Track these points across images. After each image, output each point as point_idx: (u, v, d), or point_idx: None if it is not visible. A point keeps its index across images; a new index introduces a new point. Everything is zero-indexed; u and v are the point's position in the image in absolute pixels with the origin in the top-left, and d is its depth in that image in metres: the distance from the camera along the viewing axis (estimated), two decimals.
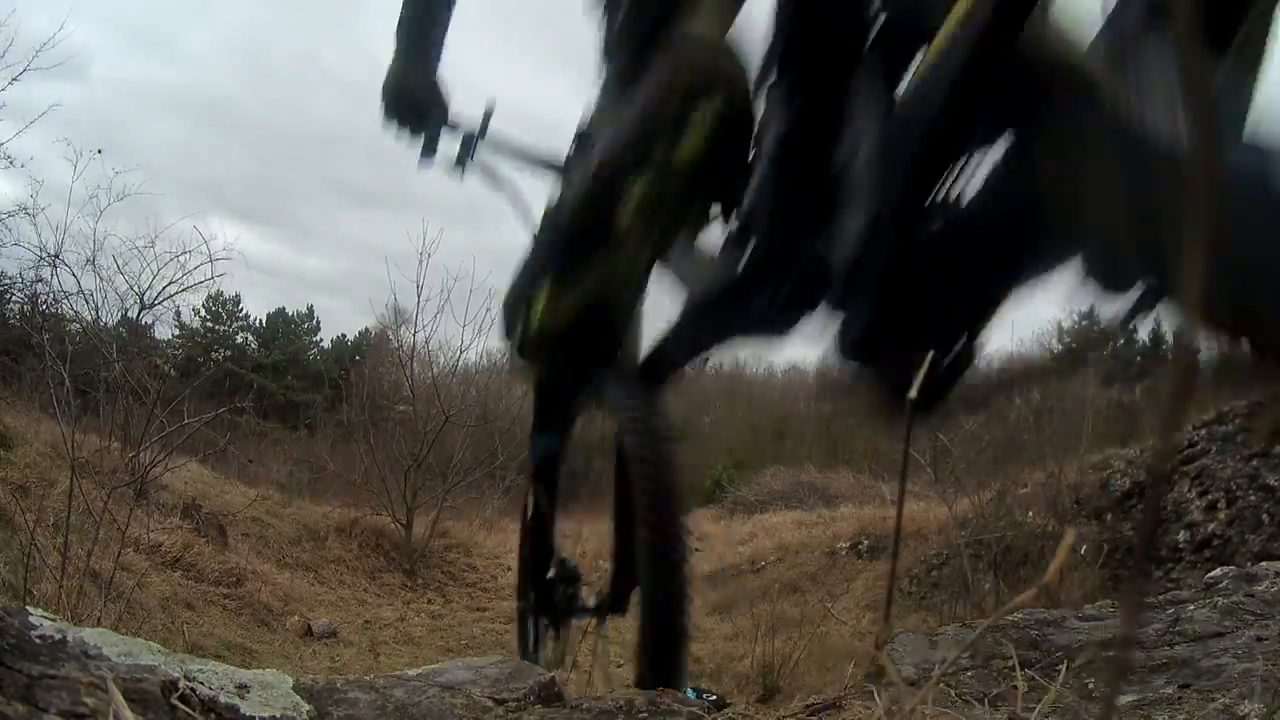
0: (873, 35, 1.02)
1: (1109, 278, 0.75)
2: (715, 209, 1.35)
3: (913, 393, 0.53)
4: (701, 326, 1.54)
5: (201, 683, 0.93)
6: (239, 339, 32.87)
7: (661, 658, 1.47)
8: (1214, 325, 0.60)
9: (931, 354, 0.86)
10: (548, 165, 1.67)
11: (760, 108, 1.16)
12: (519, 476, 17.12)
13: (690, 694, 1.39)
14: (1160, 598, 1.86)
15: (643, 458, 1.45)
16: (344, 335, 35.48)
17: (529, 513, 2.15)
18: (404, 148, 1.63)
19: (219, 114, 48.43)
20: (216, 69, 49.14)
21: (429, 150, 1.64)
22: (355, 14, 60.99)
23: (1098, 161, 0.70)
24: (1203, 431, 7.92)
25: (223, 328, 32.12)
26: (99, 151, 9.68)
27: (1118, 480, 8.46)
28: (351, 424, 15.52)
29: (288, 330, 33.81)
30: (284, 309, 33.83)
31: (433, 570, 10.41)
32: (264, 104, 53.50)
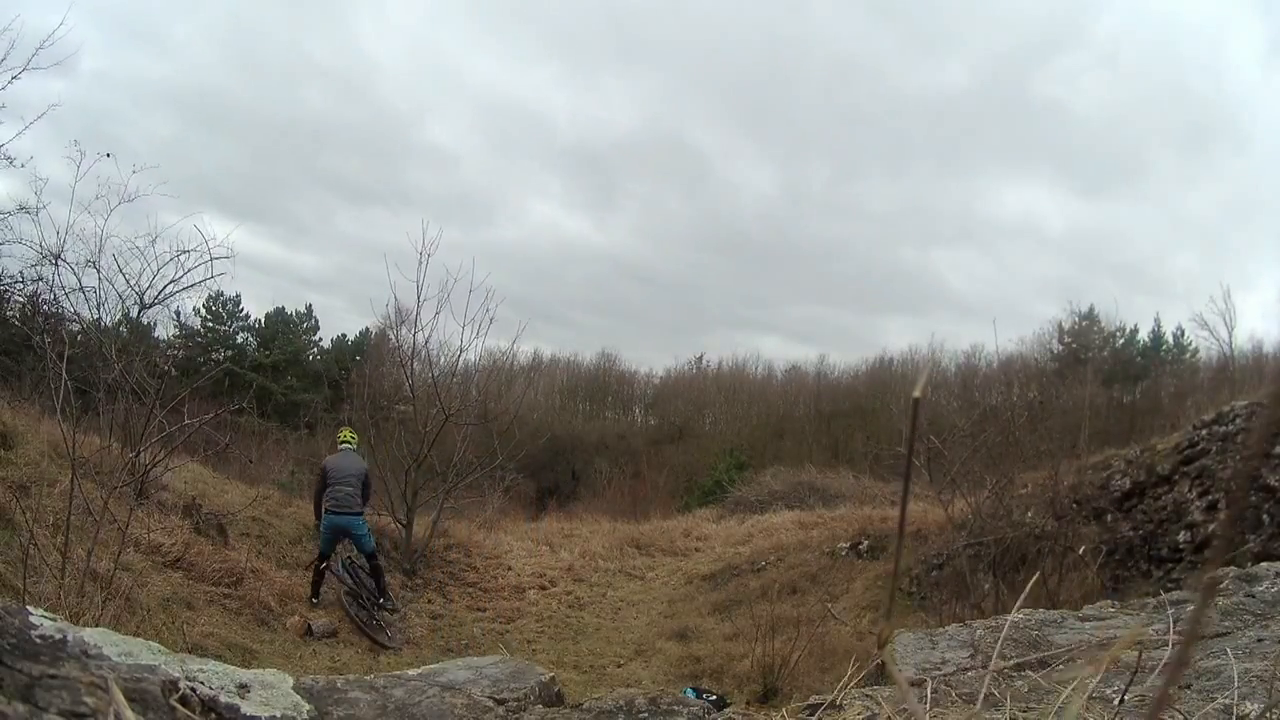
0: None
1: None
2: None
3: (917, 392, 0.53)
4: None
5: (202, 682, 0.93)
6: (239, 339, 32.91)
7: None
8: None
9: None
10: None
11: None
12: (518, 476, 17.13)
13: (690, 694, 1.39)
14: (1160, 598, 1.86)
15: None
16: (344, 335, 35.56)
17: None
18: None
19: (208, 108, 48.15)
20: (204, 63, 48.79)
21: None
22: (338, 3, 60.65)
23: None
24: (1203, 432, 7.92)
25: (223, 327, 32.14)
26: (108, 155, 9.67)
27: (1118, 480, 8.46)
28: (352, 423, 15.52)
29: (287, 330, 33.82)
30: (283, 309, 33.87)
31: (433, 570, 10.41)
32: (253, 97, 53.17)
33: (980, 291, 53.54)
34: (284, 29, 58.22)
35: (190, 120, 47.71)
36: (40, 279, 10.28)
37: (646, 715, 1.19)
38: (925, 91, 57.61)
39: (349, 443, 9.01)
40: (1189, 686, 1.27)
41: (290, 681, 1.05)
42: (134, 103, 44.92)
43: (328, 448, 17.28)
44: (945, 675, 1.38)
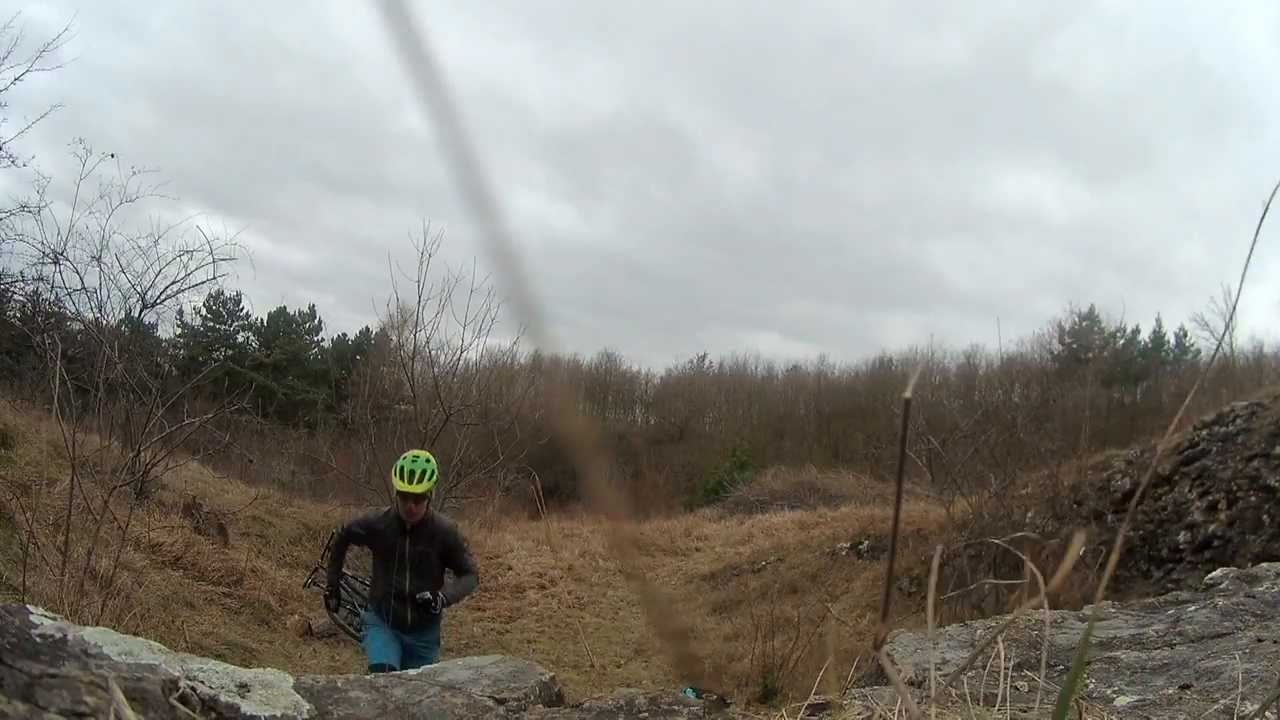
0: None
1: None
2: None
3: (907, 392, 0.53)
4: None
5: (202, 682, 0.93)
6: (240, 338, 32.89)
7: None
8: None
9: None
10: None
11: None
12: (519, 475, 17.12)
13: (690, 694, 1.39)
14: (1161, 598, 1.86)
15: None
16: (344, 334, 35.55)
17: None
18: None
19: (188, 98, 46.59)
20: (182, 52, 47.43)
21: None
22: None
23: None
24: (1204, 433, 7.92)
25: (224, 327, 32.14)
26: (112, 155, 9.59)
27: (1118, 480, 8.46)
28: (353, 423, 15.53)
29: (289, 330, 33.82)
30: (285, 308, 33.84)
31: None
32: (232, 86, 51.09)
33: (980, 286, 52.40)
34: (257, 13, 56.35)
35: (171, 111, 46.18)
36: (41, 278, 10.26)
37: (646, 715, 1.19)
38: (919, 69, 55.40)
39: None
40: (1189, 687, 1.27)
41: (290, 681, 1.05)
42: (113, 93, 43.79)
43: (328, 447, 17.29)
44: (945, 675, 1.38)
